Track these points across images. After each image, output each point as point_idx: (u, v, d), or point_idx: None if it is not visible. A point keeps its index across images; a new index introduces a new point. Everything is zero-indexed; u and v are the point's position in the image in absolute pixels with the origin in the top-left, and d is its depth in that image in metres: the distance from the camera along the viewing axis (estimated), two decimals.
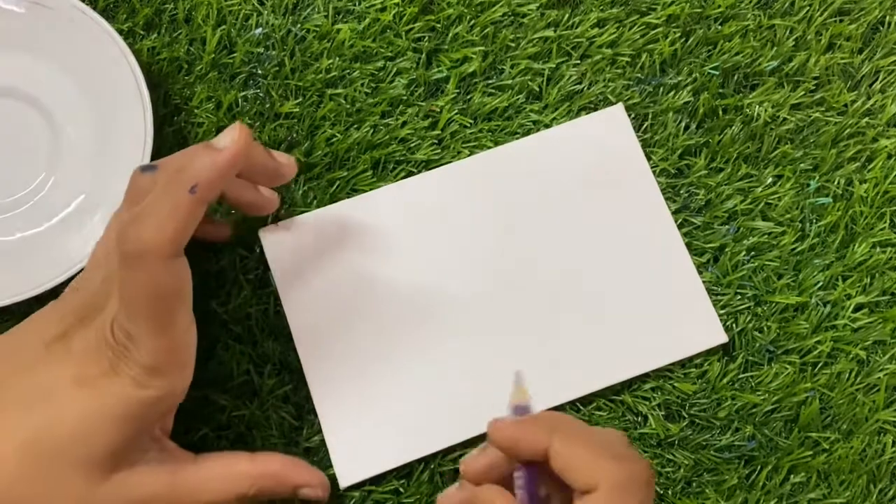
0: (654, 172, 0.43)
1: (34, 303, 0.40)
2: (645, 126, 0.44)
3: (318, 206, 0.43)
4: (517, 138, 0.44)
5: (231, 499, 0.37)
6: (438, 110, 0.45)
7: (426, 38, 0.45)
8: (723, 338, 0.41)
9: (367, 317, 0.42)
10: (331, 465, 0.40)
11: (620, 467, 0.31)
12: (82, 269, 0.37)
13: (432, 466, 0.40)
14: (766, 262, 0.43)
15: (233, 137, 0.34)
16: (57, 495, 0.34)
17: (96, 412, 0.33)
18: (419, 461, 0.40)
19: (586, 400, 0.41)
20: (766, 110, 0.44)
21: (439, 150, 0.44)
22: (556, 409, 0.41)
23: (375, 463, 0.40)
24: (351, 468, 0.40)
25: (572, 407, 0.41)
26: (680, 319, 0.41)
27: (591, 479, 0.31)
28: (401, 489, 0.40)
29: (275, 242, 0.42)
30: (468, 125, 0.44)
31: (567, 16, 0.45)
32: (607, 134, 0.44)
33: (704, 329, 0.41)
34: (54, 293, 0.39)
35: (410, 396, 0.41)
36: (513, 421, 0.33)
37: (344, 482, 0.40)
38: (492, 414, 0.38)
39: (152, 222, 0.32)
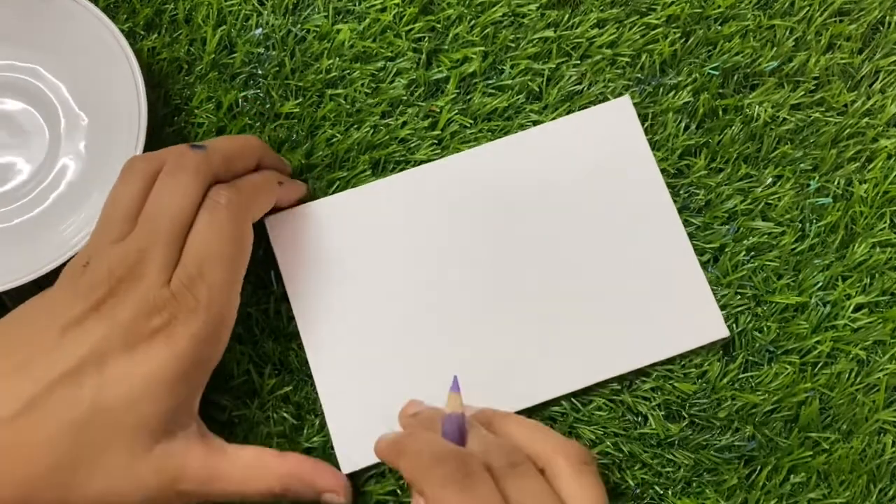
0: None
1: (33, 287, 0.40)
2: (645, 126, 0.44)
3: None
4: None
5: (255, 494, 0.36)
6: (438, 110, 0.45)
7: (426, 38, 0.45)
8: (724, 332, 0.41)
9: (371, 305, 0.42)
10: (333, 454, 0.40)
11: (437, 471, 0.32)
12: (76, 254, 0.37)
13: None
14: (766, 263, 0.43)
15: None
16: (99, 468, 0.34)
17: (150, 375, 0.34)
18: None
19: (586, 400, 0.41)
20: (766, 110, 0.44)
21: (439, 151, 0.44)
22: (556, 400, 0.41)
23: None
24: (352, 455, 0.40)
25: (572, 406, 0.41)
26: (682, 313, 0.41)
27: (421, 491, 0.32)
28: (399, 490, 0.40)
29: (280, 229, 0.42)
30: (468, 125, 0.45)
31: (567, 16, 0.45)
32: (613, 126, 0.44)
33: (706, 323, 0.41)
34: (52, 277, 0.39)
35: (411, 384, 0.41)
36: (383, 444, 0.36)
37: (345, 470, 0.40)
38: (490, 404, 0.40)
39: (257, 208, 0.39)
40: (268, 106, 0.45)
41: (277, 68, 0.45)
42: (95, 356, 0.34)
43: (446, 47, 0.45)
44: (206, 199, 0.37)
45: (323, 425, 0.41)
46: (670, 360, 0.42)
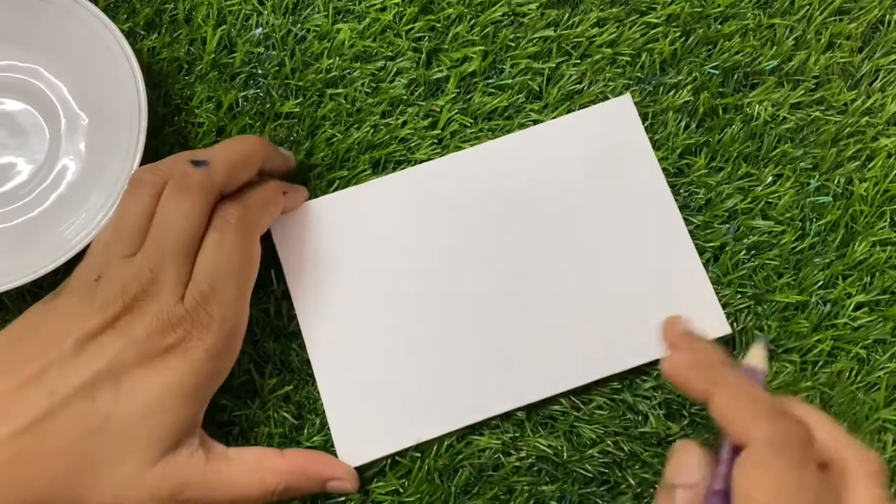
0: None
1: (33, 287, 0.40)
2: (645, 125, 0.44)
3: None
4: None
5: (259, 495, 0.37)
6: (438, 110, 0.45)
7: (426, 37, 0.45)
8: (726, 329, 0.41)
9: (372, 302, 0.42)
10: (334, 453, 0.40)
11: (774, 426, 0.30)
12: (83, 262, 0.37)
13: (429, 465, 0.40)
14: (767, 261, 0.43)
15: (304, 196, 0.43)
16: (108, 479, 0.34)
17: (166, 389, 0.34)
18: (417, 457, 0.40)
19: (587, 399, 0.41)
20: (765, 109, 0.45)
21: (439, 150, 0.44)
22: (556, 399, 0.41)
23: (377, 447, 0.40)
24: (354, 453, 0.40)
25: (573, 405, 0.41)
26: (683, 310, 0.41)
27: (744, 434, 0.31)
28: (400, 489, 0.40)
29: (282, 227, 0.42)
30: (468, 125, 0.45)
31: (567, 15, 0.46)
32: (614, 124, 0.44)
33: (708, 320, 0.41)
34: (52, 277, 0.40)
35: (413, 380, 0.41)
36: (686, 362, 0.34)
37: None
38: (491, 401, 0.40)
39: (265, 221, 0.39)
40: (268, 106, 0.45)
41: (277, 68, 0.45)
42: (111, 371, 0.34)
43: (446, 47, 0.45)
44: (214, 217, 0.37)
45: (323, 424, 0.41)
46: None
